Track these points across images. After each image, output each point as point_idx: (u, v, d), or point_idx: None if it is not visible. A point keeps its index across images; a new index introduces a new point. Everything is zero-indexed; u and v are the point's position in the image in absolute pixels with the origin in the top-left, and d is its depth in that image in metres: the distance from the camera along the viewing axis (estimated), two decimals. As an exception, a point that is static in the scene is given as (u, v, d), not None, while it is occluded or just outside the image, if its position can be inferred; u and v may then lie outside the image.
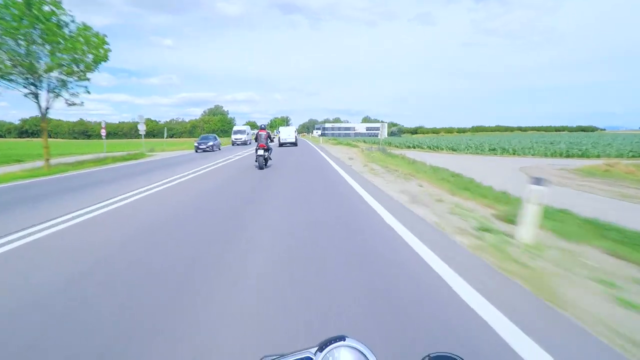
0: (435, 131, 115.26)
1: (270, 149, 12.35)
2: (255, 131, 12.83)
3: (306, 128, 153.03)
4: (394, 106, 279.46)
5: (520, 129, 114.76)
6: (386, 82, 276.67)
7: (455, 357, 0.48)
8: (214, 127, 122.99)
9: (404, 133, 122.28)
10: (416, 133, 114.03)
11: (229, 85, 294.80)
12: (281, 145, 27.02)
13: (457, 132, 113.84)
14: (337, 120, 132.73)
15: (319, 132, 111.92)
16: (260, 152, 11.78)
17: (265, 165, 12.02)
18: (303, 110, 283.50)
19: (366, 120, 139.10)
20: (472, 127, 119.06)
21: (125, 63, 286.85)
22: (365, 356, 0.50)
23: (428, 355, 0.49)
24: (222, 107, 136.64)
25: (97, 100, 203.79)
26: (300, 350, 0.54)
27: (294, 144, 29.42)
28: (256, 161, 11.81)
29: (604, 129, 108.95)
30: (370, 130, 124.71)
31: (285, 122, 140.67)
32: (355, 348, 0.50)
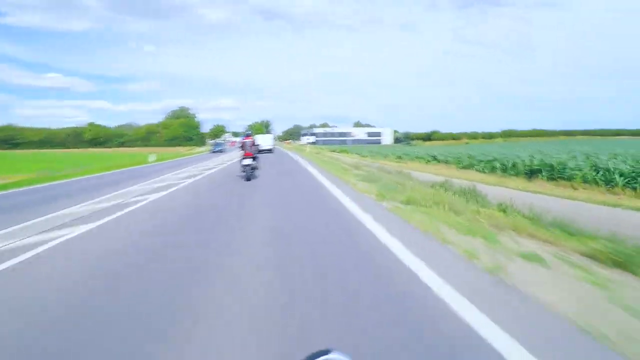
0: (454, 137, 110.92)
1: (257, 157, 13.05)
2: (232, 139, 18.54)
3: (290, 135, 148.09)
4: (384, 112, 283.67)
5: (566, 133, 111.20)
6: (373, 89, 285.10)
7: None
8: (175, 133, 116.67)
9: (414, 139, 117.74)
10: (430, 139, 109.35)
11: (211, 92, 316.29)
12: (259, 152, 27.51)
13: (482, 137, 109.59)
14: (325, 125, 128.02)
15: (311, 138, 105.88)
16: (247, 161, 12.33)
17: (253, 175, 12.56)
18: (287, 117, 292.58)
19: (358, 125, 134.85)
20: (502, 131, 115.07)
21: (105, 69, 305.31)
22: None
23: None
24: (188, 109, 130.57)
25: (73, 107, 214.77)
26: None
27: (270, 150, 37.25)
28: (243, 171, 12.49)
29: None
30: (371, 136, 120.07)
31: (265, 127, 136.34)
32: None
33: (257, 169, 13.43)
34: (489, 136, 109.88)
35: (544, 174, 15.22)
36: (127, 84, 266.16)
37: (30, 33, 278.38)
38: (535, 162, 16.58)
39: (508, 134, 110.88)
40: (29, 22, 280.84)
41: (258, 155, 13.51)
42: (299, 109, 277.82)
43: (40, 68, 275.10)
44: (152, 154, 32.70)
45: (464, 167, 20.85)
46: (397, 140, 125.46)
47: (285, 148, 59.31)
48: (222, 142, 56.41)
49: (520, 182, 14.82)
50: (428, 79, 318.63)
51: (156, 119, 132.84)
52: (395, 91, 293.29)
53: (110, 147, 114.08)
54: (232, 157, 30.32)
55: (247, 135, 13.39)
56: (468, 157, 22.17)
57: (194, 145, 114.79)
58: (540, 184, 14.44)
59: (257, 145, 13.68)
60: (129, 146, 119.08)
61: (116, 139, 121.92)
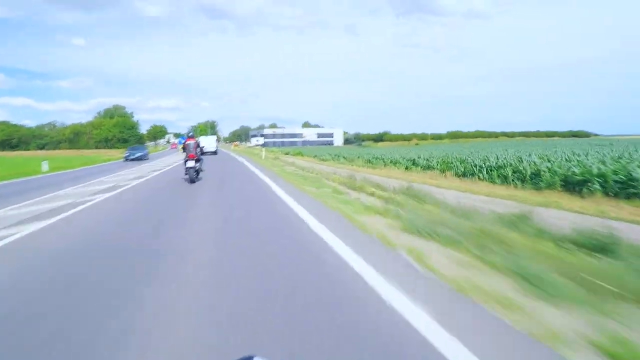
0: (405, 138, 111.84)
1: (201, 159, 13.18)
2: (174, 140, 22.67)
3: (237, 136, 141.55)
4: (331, 113, 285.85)
5: (506, 134, 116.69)
6: (320, 90, 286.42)
7: None
8: (108, 134, 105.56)
9: (365, 140, 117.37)
10: (382, 140, 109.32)
11: (152, 92, 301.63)
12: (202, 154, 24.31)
13: (431, 138, 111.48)
14: (273, 126, 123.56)
15: (260, 140, 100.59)
16: (191, 163, 12.21)
17: (197, 177, 12.58)
18: (233, 118, 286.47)
19: (307, 126, 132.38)
20: (448, 132, 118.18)
21: (26, 63, 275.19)
22: None
23: None
24: (123, 107, 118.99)
25: None
26: None
27: (214, 152, 36.73)
28: (186, 174, 12.39)
29: (598, 135, 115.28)
30: (322, 137, 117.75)
31: (211, 128, 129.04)
32: None
33: (202, 171, 13.40)
34: (438, 137, 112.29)
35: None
36: (55, 81, 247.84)
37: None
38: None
39: (454, 135, 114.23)
40: None
41: (202, 157, 13.41)
42: (246, 110, 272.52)
43: None
44: (45, 161, 23.52)
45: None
46: (347, 141, 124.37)
47: (233, 151, 51.93)
48: (143, 146, 43.42)
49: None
50: (374, 81, 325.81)
51: (89, 118, 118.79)
52: (342, 92, 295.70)
53: (27, 150, 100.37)
54: (169, 163, 25.45)
55: (190, 137, 13.06)
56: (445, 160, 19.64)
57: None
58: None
59: (202, 147, 13.42)
60: (52, 149, 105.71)
61: (35, 141, 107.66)
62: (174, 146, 57.93)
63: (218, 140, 63.19)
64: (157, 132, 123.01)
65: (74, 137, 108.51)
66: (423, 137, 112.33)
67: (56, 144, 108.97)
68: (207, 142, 34.05)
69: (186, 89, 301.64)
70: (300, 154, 43.17)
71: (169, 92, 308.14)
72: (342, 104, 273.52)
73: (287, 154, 43.93)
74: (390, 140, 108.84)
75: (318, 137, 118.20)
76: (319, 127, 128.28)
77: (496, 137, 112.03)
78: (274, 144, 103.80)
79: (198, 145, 12.78)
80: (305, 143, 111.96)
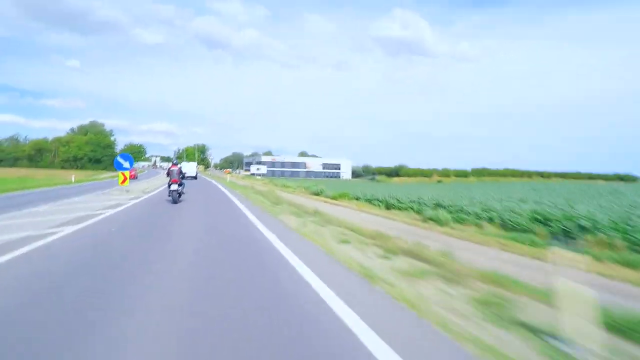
0: (425, 173, 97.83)
1: (183, 183, 14.74)
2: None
3: (230, 163, 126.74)
4: (326, 145, 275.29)
5: (540, 174, 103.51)
6: (313, 120, 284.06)
7: None
8: (77, 152, 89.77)
9: (376, 174, 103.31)
10: (397, 175, 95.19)
11: (146, 116, 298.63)
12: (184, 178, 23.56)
13: (454, 175, 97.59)
14: (268, 154, 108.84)
15: (262, 168, 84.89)
16: (174, 187, 13.96)
17: (179, 199, 14.14)
18: (225, 145, 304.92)
19: (303, 155, 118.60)
20: (473, 169, 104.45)
21: (17, 82, 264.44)
22: None
23: None
24: (102, 124, 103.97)
25: None
26: None
27: (194, 177, 40.88)
28: (169, 196, 14.11)
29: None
30: (328, 168, 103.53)
31: (200, 152, 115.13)
32: None
33: (183, 193, 14.95)
34: (463, 174, 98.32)
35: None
36: (46, 99, 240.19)
37: None
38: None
39: (480, 173, 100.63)
40: None
41: (184, 181, 14.97)
42: (238, 137, 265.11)
43: None
44: None
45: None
46: (355, 174, 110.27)
47: (226, 184, 33.15)
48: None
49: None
50: (371, 116, 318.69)
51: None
52: (336, 124, 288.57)
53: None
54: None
55: (174, 164, 14.98)
56: None
57: (102, 170, 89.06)
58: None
59: (184, 172, 15.33)
60: (7, 166, 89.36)
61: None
62: (132, 174, 48.89)
63: (208, 166, 78.94)
64: (134, 153, 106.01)
65: (35, 154, 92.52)
66: (445, 173, 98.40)
67: (13, 161, 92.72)
68: (188, 168, 38.86)
69: (180, 114, 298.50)
70: (318, 192, 26.78)
71: (162, 116, 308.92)
72: (337, 136, 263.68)
73: (288, 188, 29.36)
74: (408, 175, 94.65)
75: (323, 168, 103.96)
76: (317, 157, 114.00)
77: (529, 176, 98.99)
78: (274, 173, 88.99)
79: (181, 171, 14.54)
80: (309, 174, 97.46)
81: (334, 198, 21.17)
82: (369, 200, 21.03)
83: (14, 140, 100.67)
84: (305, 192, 26.18)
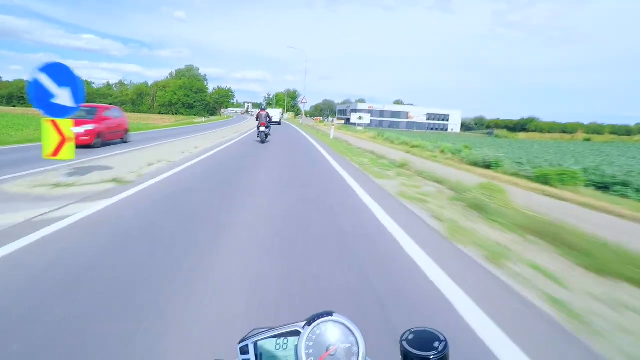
0: (565, 128, 76.71)
1: (270, 126, 16.60)
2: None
3: (320, 111, 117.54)
4: (421, 94, 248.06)
5: None
6: (404, 70, 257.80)
7: (434, 331, 0.61)
8: (172, 97, 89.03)
9: (491, 128, 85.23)
10: (524, 130, 76.33)
11: (240, 63, 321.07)
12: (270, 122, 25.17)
13: (609, 131, 74.66)
14: (361, 101, 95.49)
15: (366, 117, 72.95)
16: (262, 129, 15.89)
17: (266, 139, 16.04)
18: (315, 92, 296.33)
19: (398, 104, 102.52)
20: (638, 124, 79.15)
21: (137, 34, 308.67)
22: (351, 331, 0.62)
23: (409, 330, 0.62)
24: (197, 68, 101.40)
25: (107, 70, 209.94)
26: (289, 324, 0.65)
27: (278, 123, 41.78)
28: (258, 137, 16.24)
29: None
30: (433, 119, 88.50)
31: (292, 98, 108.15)
32: (342, 323, 0.62)
33: (270, 135, 16.78)
34: (624, 131, 74.20)
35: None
36: (159, 50, 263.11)
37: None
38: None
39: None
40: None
41: (270, 125, 16.84)
42: (327, 85, 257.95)
43: (75, 29, 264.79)
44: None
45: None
46: (466, 127, 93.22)
47: (318, 137, 24.11)
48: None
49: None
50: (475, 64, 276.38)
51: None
52: (437, 73, 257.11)
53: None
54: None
55: (262, 109, 16.87)
56: None
57: (194, 115, 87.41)
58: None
59: (270, 117, 17.21)
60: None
61: (101, 101, 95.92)
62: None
63: (298, 113, 76.12)
64: (221, 97, 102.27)
65: (137, 99, 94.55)
66: (596, 128, 75.19)
67: (120, 105, 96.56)
68: (274, 114, 38.30)
69: (272, 62, 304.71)
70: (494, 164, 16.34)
71: (256, 64, 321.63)
72: (432, 87, 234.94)
73: (418, 147, 18.47)
74: (538, 130, 74.97)
75: (427, 119, 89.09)
76: (412, 105, 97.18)
77: None
78: (373, 123, 77.76)
79: (268, 115, 16.49)
80: (410, 125, 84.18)
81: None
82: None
83: (122, 85, 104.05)
84: (456, 159, 15.32)
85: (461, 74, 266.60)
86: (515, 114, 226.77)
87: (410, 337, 0.60)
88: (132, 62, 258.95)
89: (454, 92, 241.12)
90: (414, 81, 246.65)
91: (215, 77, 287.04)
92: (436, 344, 0.58)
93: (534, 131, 75.15)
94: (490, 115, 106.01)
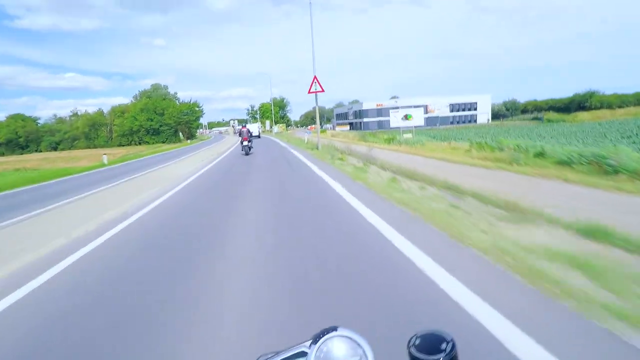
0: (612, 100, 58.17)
1: (251, 140, 19.70)
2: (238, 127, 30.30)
3: (311, 119, 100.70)
4: (412, 89, 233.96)
5: None
6: (388, 69, 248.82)
7: (440, 332, 0.59)
8: (132, 124, 71.82)
9: (534, 111, 67.97)
10: (582, 109, 58.79)
11: (224, 83, 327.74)
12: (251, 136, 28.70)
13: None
14: (355, 102, 78.44)
15: (414, 114, 53.59)
16: (245, 143, 18.84)
17: (250, 151, 18.93)
18: (303, 102, 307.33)
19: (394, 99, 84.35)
20: None
21: (119, 66, 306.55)
22: (359, 344, 0.60)
23: (416, 335, 0.60)
24: (165, 87, 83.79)
25: (94, 105, 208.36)
26: (294, 346, 0.65)
27: (258, 136, 45.58)
28: (242, 150, 19.27)
29: None
30: (457, 110, 71.24)
31: (280, 107, 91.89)
32: (348, 337, 0.61)
33: (252, 147, 19.69)
34: None
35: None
36: (142, 80, 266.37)
37: (44, 35, 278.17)
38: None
39: None
40: (41, 25, 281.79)
41: (252, 138, 20.07)
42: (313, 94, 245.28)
43: (57, 69, 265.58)
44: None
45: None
46: (495, 116, 75.84)
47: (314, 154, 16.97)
48: None
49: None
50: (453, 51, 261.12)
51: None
52: (420, 67, 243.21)
53: (31, 154, 71.80)
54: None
55: (243, 126, 20.85)
56: None
57: (160, 143, 70.04)
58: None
59: (251, 132, 20.01)
60: (67, 148, 76.11)
61: (47, 138, 79.06)
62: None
63: (289, 124, 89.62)
64: (184, 116, 77.06)
65: (89, 132, 77.36)
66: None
67: (71, 142, 79.31)
68: (253, 129, 39.79)
69: (255, 77, 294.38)
70: None
71: (240, 81, 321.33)
72: (410, 83, 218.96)
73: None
74: (609, 106, 57.05)
75: (451, 111, 71.79)
76: (429, 97, 78.70)
77: None
78: (380, 124, 60.33)
79: (249, 131, 19.41)
80: (432, 121, 66.55)
81: None
82: None
83: (76, 116, 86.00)
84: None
85: (448, 62, 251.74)
86: (559, 91, 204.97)
87: (417, 342, 0.60)
88: (117, 95, 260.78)
89: (438, 82, 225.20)
90: (403, 77, 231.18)
91: (203, 99, 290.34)
92: (443, 346, 0.58)
93: (598, 108, 57.78)
94: (522, 97, 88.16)
